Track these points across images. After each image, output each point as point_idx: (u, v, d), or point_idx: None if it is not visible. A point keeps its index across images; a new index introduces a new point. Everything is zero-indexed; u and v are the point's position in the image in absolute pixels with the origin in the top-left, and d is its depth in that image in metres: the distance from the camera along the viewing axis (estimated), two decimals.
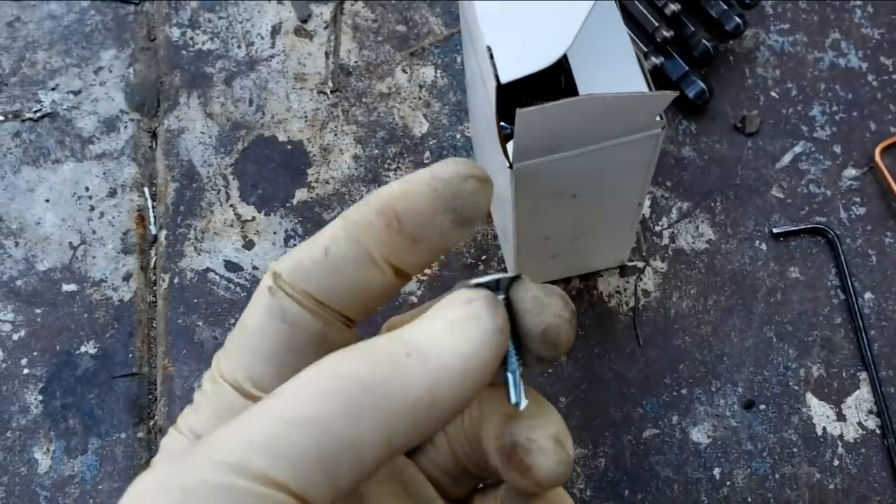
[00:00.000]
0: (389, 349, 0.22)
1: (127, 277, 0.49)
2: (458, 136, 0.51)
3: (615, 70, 0.36)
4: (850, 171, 0.50)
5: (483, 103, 0.38)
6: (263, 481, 0.19)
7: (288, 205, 0.50)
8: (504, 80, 0.31)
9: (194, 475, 0.19)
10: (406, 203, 0.25)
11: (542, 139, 0.33)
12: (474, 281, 0.24)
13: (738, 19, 0.50)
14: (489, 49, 0.31)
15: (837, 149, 0.50)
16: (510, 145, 0.34)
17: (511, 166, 0.35)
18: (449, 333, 0.22)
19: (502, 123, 0.35)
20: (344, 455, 0.20)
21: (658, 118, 0.34)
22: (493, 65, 0.32)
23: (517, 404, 0.24)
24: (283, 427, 0.20)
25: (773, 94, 0.52)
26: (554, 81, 0.37)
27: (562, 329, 0.24)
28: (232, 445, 0.20)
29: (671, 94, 0.32)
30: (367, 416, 0.20)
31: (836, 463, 0.44)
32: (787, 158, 0.50)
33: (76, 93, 0.53)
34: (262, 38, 0.54)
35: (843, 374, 0.45)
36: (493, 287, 0.24)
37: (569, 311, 0.25)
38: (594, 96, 0.32)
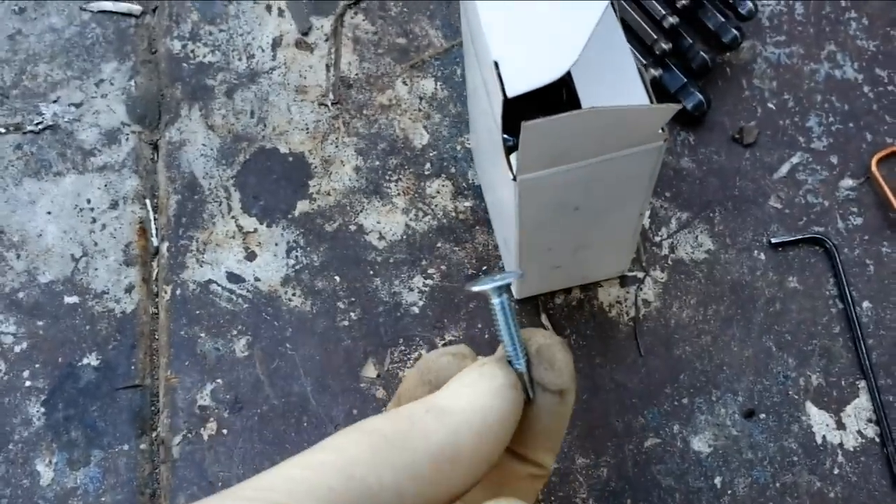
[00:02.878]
0: (410, 408, 0.24)
1: (129, 289, 0.49)
2: (459, 147, 0.51)
3: (617, 83, 0.36)
4: (847, 182, 0.50)
5: (485, 115, 0.38)
6: None
7: (290, 216, 0.50)
8: (511, 94, 0.31)
9: None
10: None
11: (545, 151, 0.34)
12: (476, 288, 0.27)
13: (735, 31, 0.51)
14: (496, 63, 0.31)
15: (834, 159, 0.51)
16: (513, 157, 0.34)
17: (515, 178, 0.35)
18: (466, 389, 0.24)
19: (505, 136, 0.35)
20: (365, 499, 0.21)
21: (660, 131, 0.35)
22: (500, 79, 0.32)
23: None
24: (303, 471, 0.22)
25: (770, 105, 0.52)
26: (556, 94, 0.37)
27: (555, 349, 0.27)
28: (258, 484, 0.21)
29: (674, 107, 0.32)
30: (388, 463, 0.22)
31: (836, 471, 0.44)
32: (784, 169, 0.51)
33: (77, 105, 0.53)
34: (263, 50, 0.55)
35: (843, 382, 0.46)
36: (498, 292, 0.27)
37: (557, 338, 0.27)
38: (598, 109, 0.32)
